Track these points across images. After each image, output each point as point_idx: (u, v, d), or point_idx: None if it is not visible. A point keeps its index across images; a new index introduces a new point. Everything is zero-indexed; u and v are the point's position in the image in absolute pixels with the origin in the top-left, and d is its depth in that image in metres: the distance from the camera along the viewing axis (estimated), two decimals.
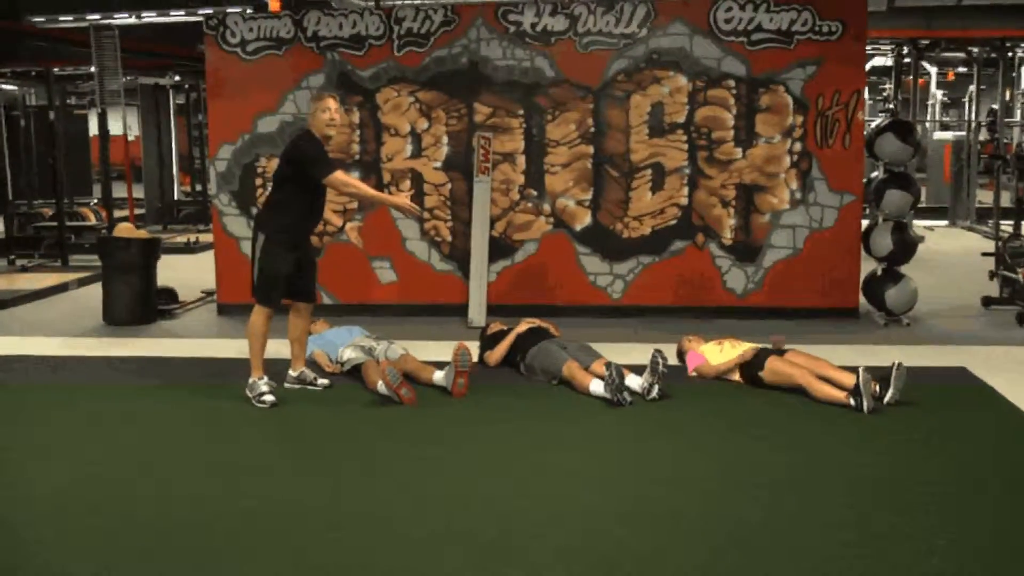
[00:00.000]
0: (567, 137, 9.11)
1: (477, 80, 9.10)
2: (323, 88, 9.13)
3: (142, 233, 9.86)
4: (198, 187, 19.93)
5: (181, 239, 15.44)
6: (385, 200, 7.44)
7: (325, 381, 6.87)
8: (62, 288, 11.16)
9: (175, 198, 19.67)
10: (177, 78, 18.73)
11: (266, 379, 6.50)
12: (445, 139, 9.19)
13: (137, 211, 16.95)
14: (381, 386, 6.51)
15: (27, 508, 4.80)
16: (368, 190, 6.89)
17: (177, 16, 11.38)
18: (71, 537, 4.44)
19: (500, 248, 9.25)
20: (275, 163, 9.08)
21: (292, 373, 6.89)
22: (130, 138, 18.21)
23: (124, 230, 9.66)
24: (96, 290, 9.72)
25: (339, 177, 6.46)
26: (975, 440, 5.74)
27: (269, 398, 6.40)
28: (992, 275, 9.96)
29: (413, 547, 4.30)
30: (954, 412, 6.26)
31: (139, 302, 9.19)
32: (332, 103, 6.41)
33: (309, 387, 6.83)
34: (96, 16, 11.60)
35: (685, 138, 9.05)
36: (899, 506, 4.73)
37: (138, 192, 18.12)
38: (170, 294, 9.79)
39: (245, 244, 9.34)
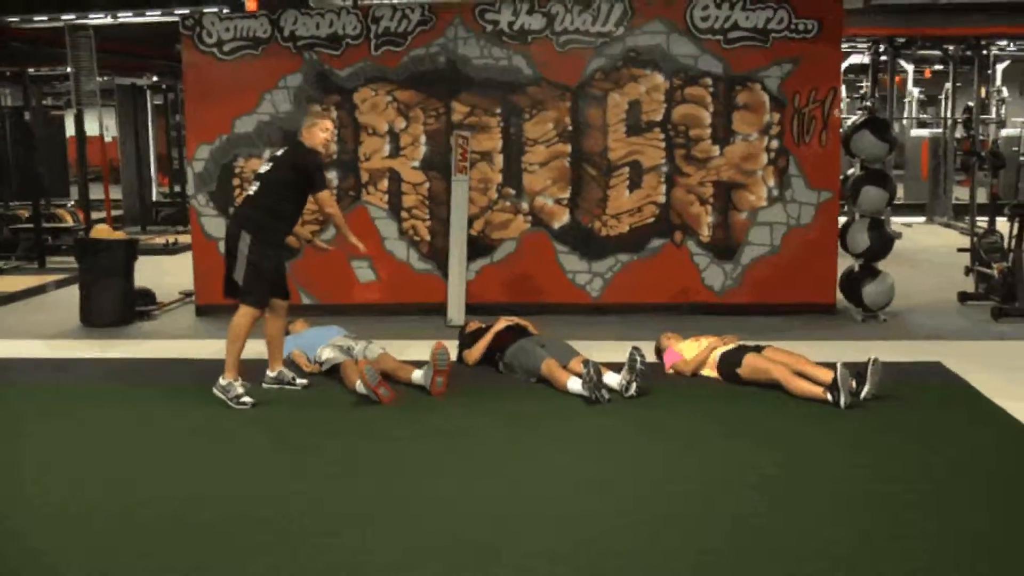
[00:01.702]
0: (545, 136, 9.12)
1: (455, 79, 9.10)
2: (302, 88, 9.11)
3: (120, 235, 9.82)
4: (176, 188, 19.84)
5: (159, 240, 15.38)
6: (345, 234, 6.80)
7: (303, 380, 6.86)
8: (39, 290, 11.11)
9: (153, 199, 19.55)
10: (154, 78, 18.65)
11: (240, 380, 6.49)
12: (423, 138, 9.19)
13: (115, 212, 16.86)
14: (359, 386, 6.51)
15: (12, 512, 4.79)
16: (341, 217, 6.87)
17: (153, 16, 11.31)
18: (63, 539, 4.43)
19: (479, 247, 9.25)
20: (254, 163, 9.20)
21: (270, 373, 6.87)
22: (107, 139, 18.16)
23: (102, 232, 9.62)
24: (74, 292, 9.68)
25: (328, 196, 6.70)
26: (952, 435, 5.78)
27: (248, 399, 6.39)
28: (968, 271, 10.03)
29: (396, 548, 4.29)
30: (930, 407, 6.30)
31: (117, 304, 9.15)
32: (331, 125, 6.85)
33: (287, 387, 6.82)
34: (71, 16, 11.52)
35: (663, 136, 9.07)
36: (879, 501, 4.76)
37: (116, 193, 18.02)
38: (148, 296, 9.74)
39: (224, 245, 9.32)
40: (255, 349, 6.88)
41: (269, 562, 4.16)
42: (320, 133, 6.62)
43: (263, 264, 6.44)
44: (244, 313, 6.49)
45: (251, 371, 6.72)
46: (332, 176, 9.17)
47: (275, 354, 6.88)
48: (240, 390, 6.42)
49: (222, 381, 6.46)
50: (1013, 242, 9.28)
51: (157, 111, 20.07)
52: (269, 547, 4.31)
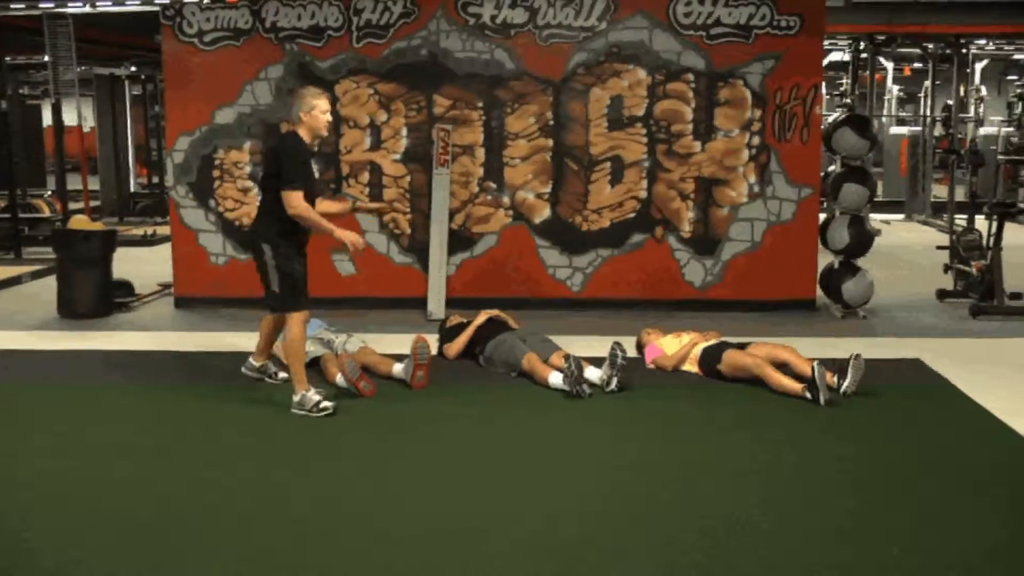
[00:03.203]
0: (527, 130, 9.11)
1: (437, 72, 9.07)
2: (283, 80, 9.07)
3: (98, 225, 9.75)
4: (155, 179, 19.73)
5: (138, 231, 15.28)
6: (334, 234, 6.26)
7: (284, 375, 6.70)
8: (15, 281, 11.01)
9: (132, 190, 19.45)
10: (133, 68, 18.53)
11: (313, 389, 6.13)
12: (404, 131, 9.15)
13: (93, 203, 16.78)
14: (340, 379, 6.49)
15: None
16: (317, 219, 6.18)
17: (133, 5, 11.21)
18: (37, 531, 4.39)
19: (459, 241, 9.23)
20: (234, 155, 9.16)
21: (254, 362, 6.76)
22: (85, 129, 18.04)
23: (79, 222, 9.55)
24: (50, 283, 9.60)
25: (296, 198, 5.97)
26: (931, 430, 5.81)
27: (328, 404, 6.04)
28: (946, 268, 10.07)
29: (375, 540, 4.29)
30: (909, 403, 6.34)
31: (95, 295, 9.09)
32: (328, 103, 6.17)
33: (267, 379, 6.76)
34: (49, 4, 11.43)
35: (644, 131, 9.07)
36: (858, 495, 4.80)
37: (94, 184, 17.93)
38: (127, 287, 9.67)
39: (203, 236, 9.31)
40: (232, 342, 6.84)
41: (241, 552, 4.16)
42: (320, 116, 6.09)
43: (293, 268, 6.12)
44: (293, 321, 6.15)
45: (230, 366, 6.68)
46: (313, 168, 9.10)
47: (263, 348, 6.73)
48: (316, 398, 6.05)
49: (295, 397, 6.10)
50: (991, 240, 9.33)
51: (136, 101, 19.96)
52: (242, 535, 4.31)
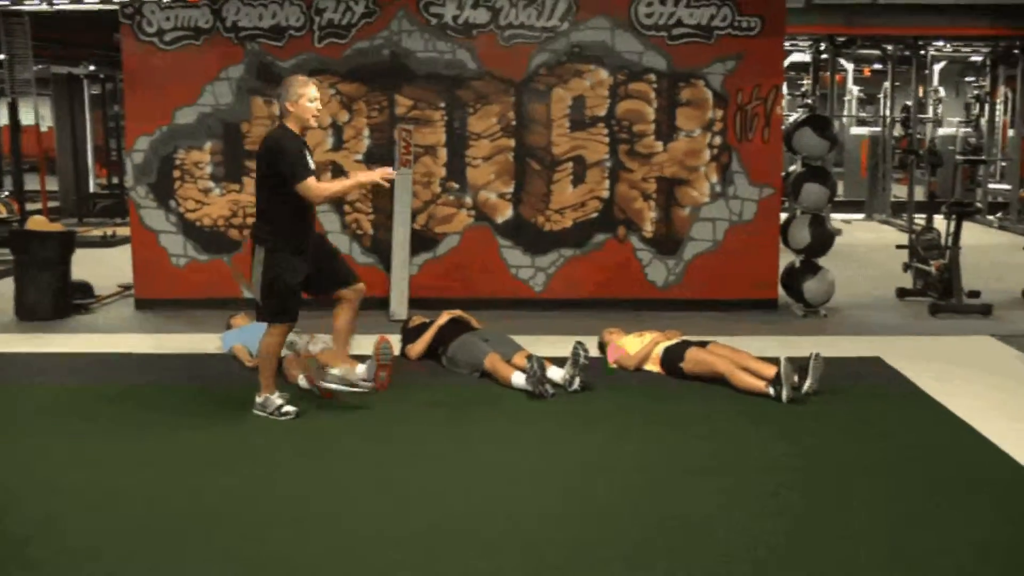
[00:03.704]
0: (489, 130, 9.10)
1: (399, 72, 9.05)
2: (244, 80, 9.01)
3: (56, 226, 9.65)
4: (115, 179, 19.55)
5: (97, 232, 15.13)
6: (360, 184, 6.27)
7: (369, 384, 6.28)
8: None
9: (91, 191, 19.26)
10: (92, 68, 18.35)
11: (278, 392, 6.06)
12: (366, 131, 9.13)
13: (51, 204, 16.62)
14: (302, 380, 6.46)
15: None
16: (339, 186, 6.23)
17: (91, 3, 11.12)
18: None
19: (422, 241, 9.21)
20: (194, 155, 9.09)
21: (335, 371, 6.35)
22: (43, 129, 17.84)
23: (37, 223, 9.45)
24: (8, 285, 9.48)
25: (310, 188, 5.81)
26: (891, 428, 5.85)
27: (290, 408, 5.99)
28: (906, 267, 10.16)
29: (338, 541, 4.27)
30: (870, 401, 6.38)
31: (53, 297, 8.98)
32: (315, 91, 5.88)
33: (353, 389, 6.32)
34: (6, 2, 11.31)
35: (606, 131, 9.09)
36: (818, 493, 4.83)
37: (52, 184, 17.75)
38: (86, 289, 9.58)
39: (164, 237, 9.23)
40: (193, 346, 6.77)
41: (205, 553, 4.13)
42: (308, 104, 5.80)
43: (283, 276, 5.88)
44: (270, 332, 6.02)
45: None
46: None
47: (341, 349, 6.39)
48: (279, 401, 6.01)
49: (258, 399, 6.05)
50: (950, 239, 9.42)
51: (95, 101, 19.76)
52: (203, 537, 4.29)
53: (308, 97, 5.81)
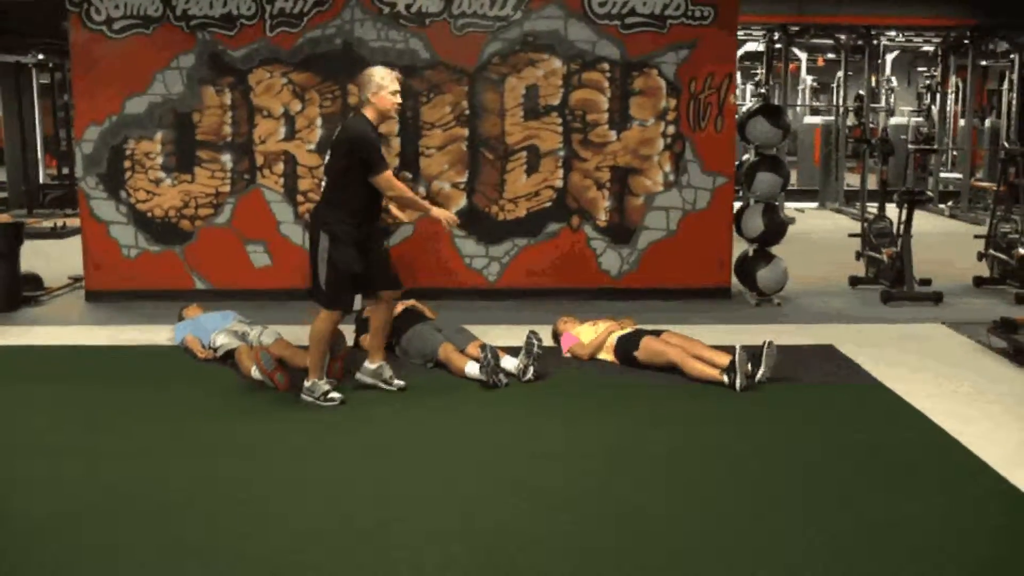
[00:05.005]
0: (442, 119, 9.07)
1: (351, 61, 8.98)
2: (195, 69, 8.92)
3: (5, 217, 9.51)
4: (65, 170, 19.31)
5: (47, 223, 14.94)
6: (427, 210, 6.45)
7: (400, 383, 6.35)
8: None
9: (40, 181, 19.01)
10: (40, 56, 18.09)
11: (326, 379, 6.15)
12: (319, 121, 9.06)
13: None
14: (255, 371, 6.42)
15: None
16: (412, 195, 6.41)
17: None
18: None
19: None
20: (145, 145, 8.99)
21: (370, 365, 6.38)
22: None
23: None
24: None
25: (391, 180, 5.99)
26: (843, 415, 5.91)
27: (336, 395, 6.05)
28: (858, 255, 10.25)
29: (288, 532, 4.25)
30: (823, 388, 6.45)
31: (2, 289, 8.85)
32: (396, 83, 5.97)
33: (383, 385, 6.35)
34: None
35: (560, 121, 9.09)
36: (773, 480, 4.87)
37: (0, 175, 17.51)
38: (35, 281, 9.46)
39: (115, 228, 9.12)
40: (144, 338, 6.71)
41: (145, 545, 4.11)
42: (390, 96, 5.93)
43: (347, 264, 5.93)
44: (324, 318, 6.06)
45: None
46: (226, 159, 9.02)
47: (377, 346, 6.40)
48: (326, 387, 6.06)
49: (307, 383, 6.09)
50: (901, 228, 9.52)
51: (43, 90, 19.48)
52: (144, 530, 4.26)
53: (390, 90, 5.92)
